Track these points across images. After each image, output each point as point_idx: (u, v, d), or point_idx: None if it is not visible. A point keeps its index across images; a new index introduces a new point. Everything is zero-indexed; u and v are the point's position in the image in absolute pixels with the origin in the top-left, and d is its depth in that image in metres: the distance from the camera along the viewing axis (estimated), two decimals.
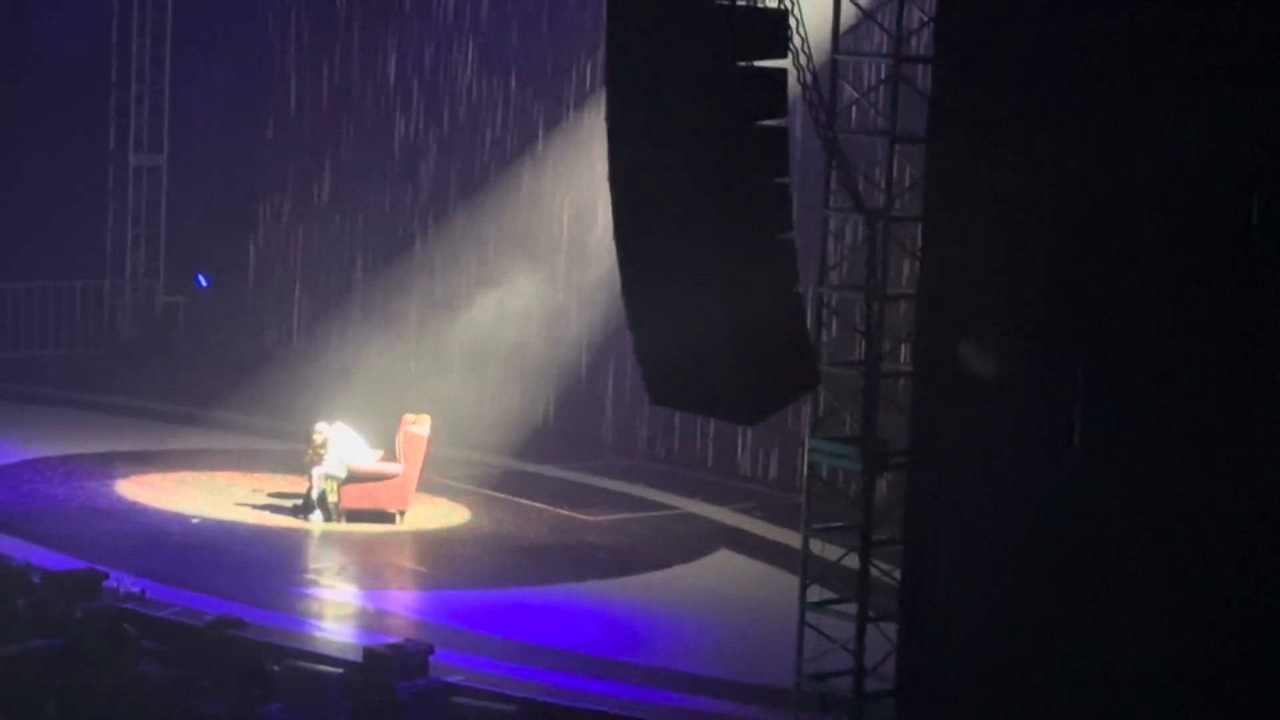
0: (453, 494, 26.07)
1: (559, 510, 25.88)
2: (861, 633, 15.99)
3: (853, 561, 16.15)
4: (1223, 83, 14.03)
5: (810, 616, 16.25)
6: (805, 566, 16.39)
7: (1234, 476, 14.17)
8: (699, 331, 15.17)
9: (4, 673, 18.83)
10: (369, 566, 23.70)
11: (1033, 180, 15.11)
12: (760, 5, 14.97)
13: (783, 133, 15.14)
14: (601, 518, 25.74)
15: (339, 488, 24.56)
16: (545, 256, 28.74)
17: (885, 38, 15.94)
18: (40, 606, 20.16)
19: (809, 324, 15.76)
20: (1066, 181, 14.88)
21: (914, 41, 15.96)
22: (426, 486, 25.40)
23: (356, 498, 24.64)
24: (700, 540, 24.98)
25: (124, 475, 26.35)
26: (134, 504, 25.18)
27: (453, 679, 18.97)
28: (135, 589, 21.07)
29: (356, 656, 19.15)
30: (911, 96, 15.95)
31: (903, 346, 16.28)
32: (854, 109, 16.25)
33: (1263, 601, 14.05)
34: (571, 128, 28.29)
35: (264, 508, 25.11)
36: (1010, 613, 15.27)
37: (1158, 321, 14.52)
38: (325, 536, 24.33)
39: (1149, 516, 14.50)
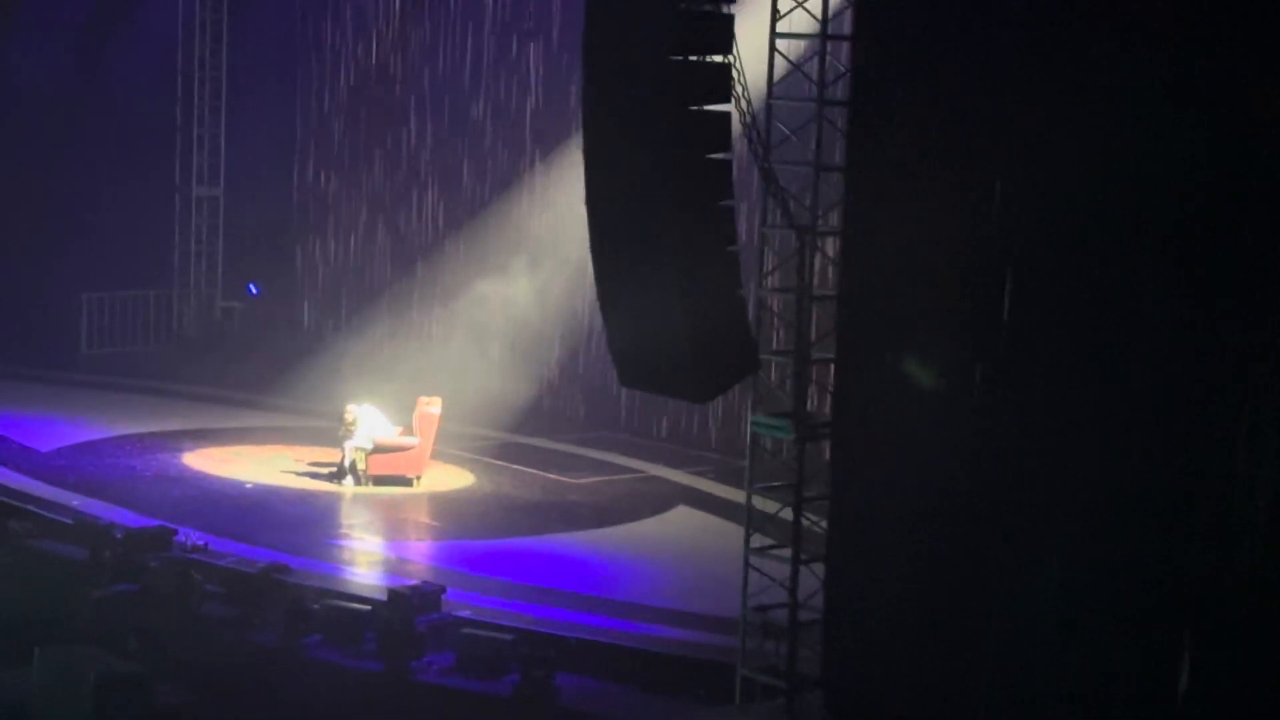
0: (460, 462, 26.06)
1: (548, 474, 25.89)
2: (795, 572, 15.97)
3: (788, 514, 16.12)
4: (1108, 113, 14.00)
5: (753, 559, 16.20)
6: (749, 518, 16.35)
7: (1102, 441, 14.19)
8: (660, 326, 15.15)
9: (94, 612, 18.80)
10: (391, 522, 23.68)
11: (933, 201, 15.12)
12: (708, 60, 14.94)
13: (728, 164, 15.13)
14: (583, 480, 25.74)
15: (367, 457, 24.57)
16: (536, 264, 28.68)
17: (811, 85, 15.86)
18: (122, 558, 20.14)
19: (750, 320, 15.72)
20: (961, 202, 14.90)
21: (834, 88, 15.90)
22: (438, 456, 25.41)
23: (381, 465, 24.63)
24: (663, 498, 24.99)
25: (189, 449, 26.30)
26: (198, 472, 25.13)
27: (462, 613, 18.96)
28: (199, 542, 21.02)
29: (382, 596, 19.13)
30: (833, 133, 15.92)
31: (827, 338, 16.23)
32: (786, 143, 16.17)
33: (1128, 544, 14.07)
34: (555, 158, 28.26)
35: (305, 474, 25.07)
36: (917, 554, 15.27)
37: (1040, 314, 14.53)
38: (355, 498, 24.29)
39: (1033, 472, 14.52)
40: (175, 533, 21.11)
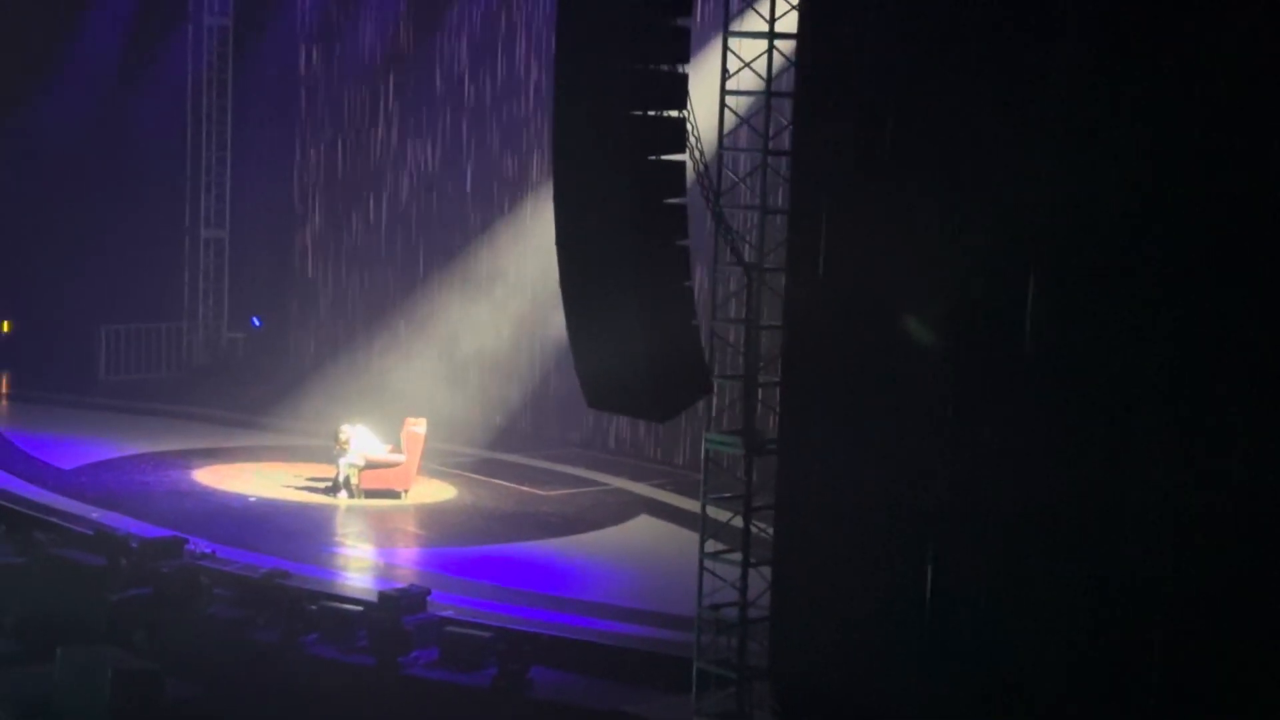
0: (443, 476, 25.99)
1: (522, 487, 25.83)
2: (745, 574, 15.94)
3: (738, 522, 16.10)
4: (1025, 163, 14.07)
5: (707, 563, 16.17)
6: (704, 526, 16.32)
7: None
8: (623, 353, 15.14)
9: (111, 614, 18.68)
10: (381, 531, 23.58)
11: (866, 242, 15.17)
12: (665, 115, 14.96)
13: (683, 208, 15.14)
14: (553, 492, 25.68)
15: (359, 473, 24.48)
16: (512, 296, 28.66)
17: (757, 137, 15.91)
18: (137, 565, 20.04)
19: (704, 347, 15.72)
20: (891, 241, 14.95)
21: (778, 140, 15.94)
22: (424, 471, 25.32)
23: (371, 480, 24.55)
24: (627, 508, 24.95)
25: (198, 466, 26.18)
26: (206, 487, 25.02)
27: (445, 613, 18.90)
28: (207, 550, 20.92)
29: (373, 598, 19.07)
30: (777, 180, 15.95)
31: (773, 363, 16.24)
32: (735, 189, 16.20)
33: (1045, 544, 14.09)
34: (530, 201, 28.28)
35: (303, 488, 24.98)
36: (853, 557, 15.29)
37: (961, 340, 14.57)
38: (349, 509, 24.19)
39: (962, 482, 14.53)
40: (186, 542, 21.01)
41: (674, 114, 14.97)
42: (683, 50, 14.94)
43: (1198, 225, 13.10)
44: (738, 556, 15.99)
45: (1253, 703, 12.95)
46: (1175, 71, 13.14)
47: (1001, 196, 14.19)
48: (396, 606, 18.59)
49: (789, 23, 15.60)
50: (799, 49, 15.55)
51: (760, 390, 16.07)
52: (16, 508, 22.75)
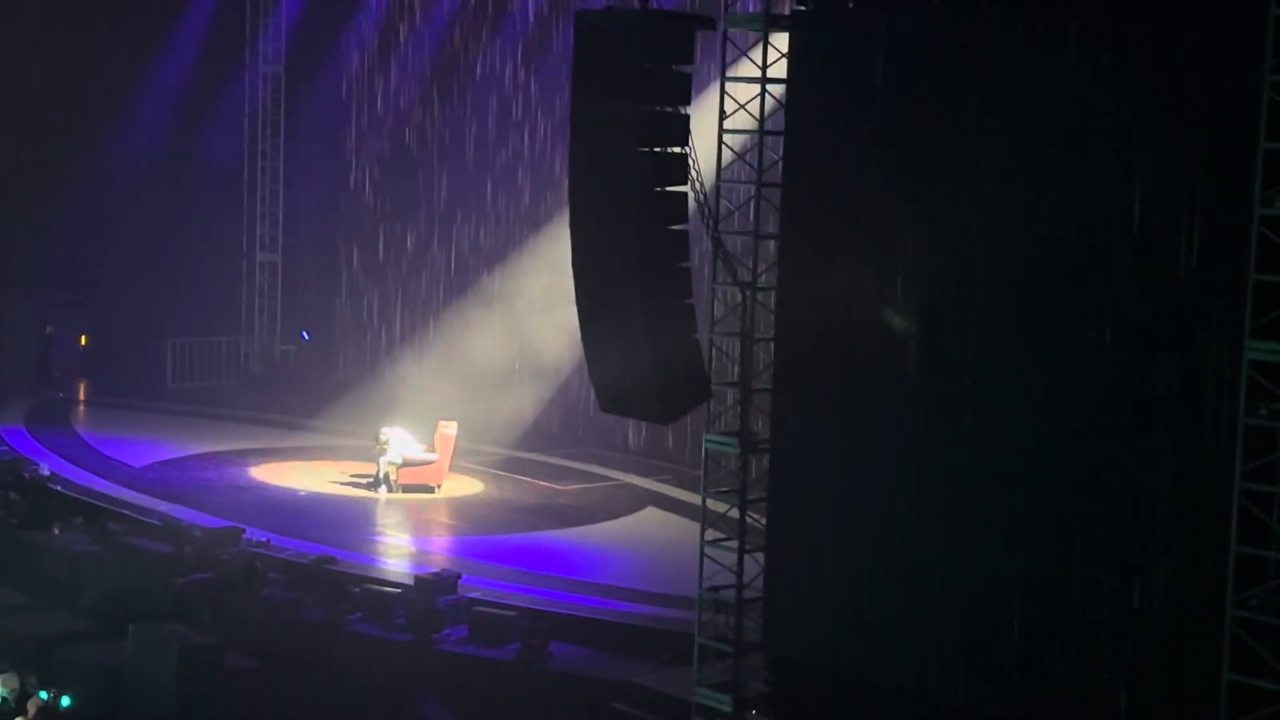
0: (472, 473, 26.00)
1: (542, 482, 25.84)
2: (741, 560, 15.91)
3: (735, 513, 16.08)
4: (984, 200, 14.09)
5: (708, 549, 16.13)
6: (704, 516, 16.29)
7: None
8: (632, 363, 15.15)
9: (177, 595, 18.71)
10: (417, 522, 23.62)
11: (849, 264, 15.18)
12: (669, 150, 14.98)
13: (685, 233, 15.15)
14: (570, 487, 25.70)
15: (397, 470, 24.50)
16: (533, 313, 28.66)
17: (751, 170, 15.92)
18: (200, 552, 20.07)
19: (704, 357, 15.72)
20: (870, 264, 14.96)
21: (770, 173, 15.94)
22: (455, 468, 25.34)
23: (408, 476, 24.58)
24: (636, 501, 24.97)
25: (254, 464, 26.22)
26: (261, 483, 25.06)
27: (474, 595, 18.90)
28: (263, 539, 20.95)
29: (409, 581, 19.08)
30: (769, 209, 15.95)
31: (766, 372, 16.24)
32: (731, 216, 16.21)
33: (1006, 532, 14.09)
34: (547, 229, 28.28)
35: (347, 484, 24.99)
36: (836, 544, 15.28)
37: (934, 351, 14.57)
38: (388, 503, 24.23)
39: (932, 480, 14.54)
40: (243, 531, 21.04)
41: (677, 150, 14.98)
42: (685, 94, 14.97)
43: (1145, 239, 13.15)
44: (735, 544, 15.95)
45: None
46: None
47: (972, 222, 14.21)
48: (431, 589, 18.61)
49: (780, 69, 15.63)
50: (788, 92, 15.58)
51: (754, 396, 16.06)
52: (92, 501, 22.80)
